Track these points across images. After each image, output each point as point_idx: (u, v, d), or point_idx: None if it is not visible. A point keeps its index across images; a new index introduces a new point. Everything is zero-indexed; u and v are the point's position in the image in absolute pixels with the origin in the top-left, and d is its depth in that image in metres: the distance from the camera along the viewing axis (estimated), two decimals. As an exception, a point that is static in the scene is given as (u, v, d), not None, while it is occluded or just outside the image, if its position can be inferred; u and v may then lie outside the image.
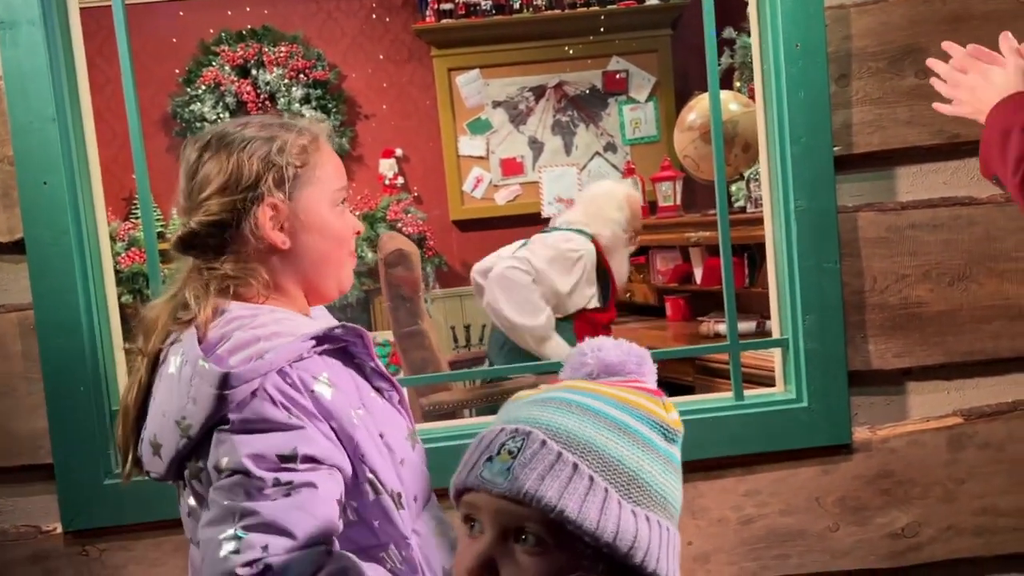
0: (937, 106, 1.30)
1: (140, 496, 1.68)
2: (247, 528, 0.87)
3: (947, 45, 1.25)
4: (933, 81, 1.28)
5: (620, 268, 2.93)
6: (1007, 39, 1.20)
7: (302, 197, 1.05)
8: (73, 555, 1.79)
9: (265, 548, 0.86)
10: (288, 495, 0.89)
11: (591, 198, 2.98)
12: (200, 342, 0.96)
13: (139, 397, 1.01)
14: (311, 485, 0.90)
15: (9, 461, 1.75)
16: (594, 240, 2.84)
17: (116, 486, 1.72)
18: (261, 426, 0.91)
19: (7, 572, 1.79)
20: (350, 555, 0.93)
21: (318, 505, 0.90)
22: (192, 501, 0.98)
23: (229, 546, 0.86)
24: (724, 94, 2.75)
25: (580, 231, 2.86)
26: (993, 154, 1.12)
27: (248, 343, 0.95)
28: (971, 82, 1.20)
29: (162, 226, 3.64)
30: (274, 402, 0.92)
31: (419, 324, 2.76)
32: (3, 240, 1.73)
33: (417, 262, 2.83)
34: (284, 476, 0.89)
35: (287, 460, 0.90)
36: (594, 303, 2.82)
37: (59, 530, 1.77)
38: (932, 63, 1.28)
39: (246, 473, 0.89)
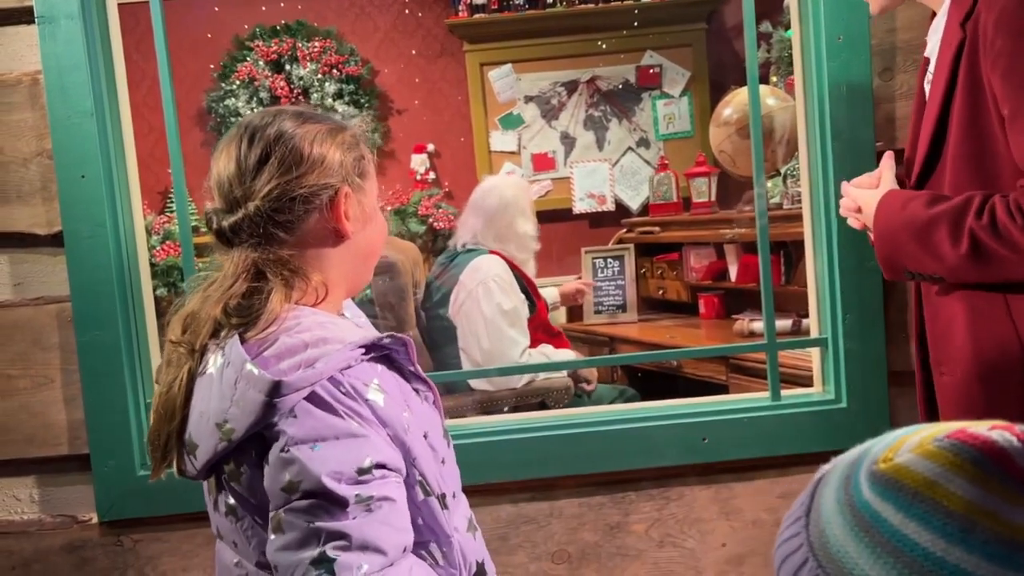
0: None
1: (174, 488, 1.68)
2: (339, 549, 0.86)
3: (843, 186, 1.41)
4: (840, 213, 1.45)
5: (531, 265, 2.78)
6: (887, 157, 1.37)
7: (365, 187, 1.05)
8: (108, 545, 1.81)
9: (361, 568, 0.86)
10: (370, 510, 0.88)
11: (490, 215, 2.71)
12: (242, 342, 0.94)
13: (185, 394, 0.97)
14: (389, 499, 0.89)
15: (47, 451, 1.78)
16: (495, 252, 2.68)
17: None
18: (327, 435, 0.89)
19: (43, 561, 1.81)
20: (421, 561, 0.94)
21: (397, 517, 0.90)
22: (232, 500, 0.96)
23: (317, 571, 0.85)
24: (761, 88, 2.70)
25: (474, 251, 2.68)
26: (908, 249, 1.23)
27: (296, 349, 0.92)
28: (861, 204, 1.36)
29: (197, 220, 3.68)
30: (336, 412, 0.89)
31: (405, 332, 2.66)
32: (42, 233, 1.75)
33: (404, 270, 2.72)
34: (364, 491, 0.88)
35: (364, 472, 0.88)
36: (527, 313, 2.67)
37: (95, 520, 1.79)
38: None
39: (327, 493, 0.87)
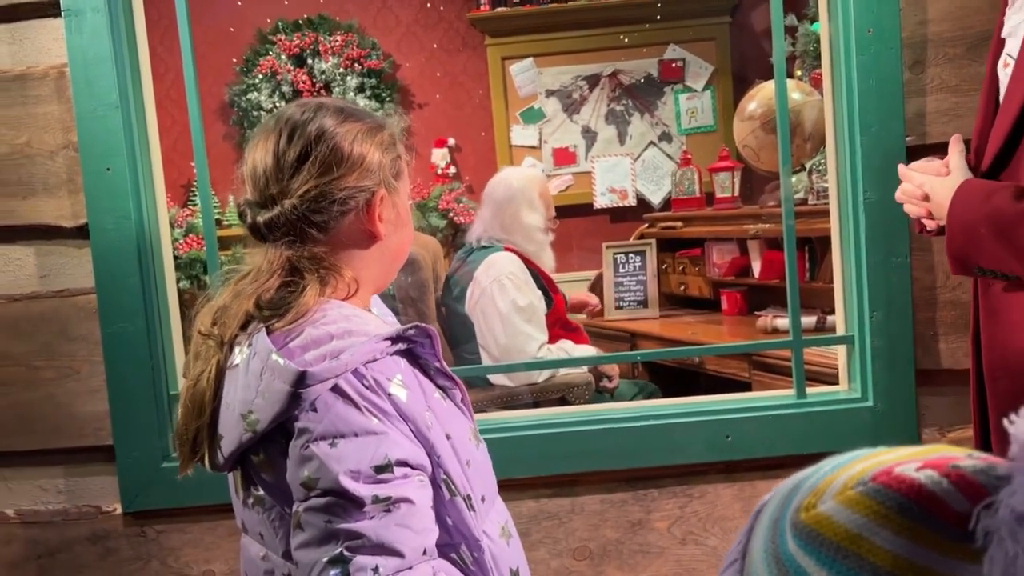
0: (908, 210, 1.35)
1: (197, 479, 1.68)
2: (353, 550, 0.86)
3: (901, 170, 1.33)
4: (898, 198, 1.35)
5: (546, 260, 2.76)
6: (956, 142, 1.27)
7: (399, 188, 1.05)
8: (132, 535, 1.82)
9: (376, 570, 0.85)
10: (388, 511, 0.87)
11: (497, 205, 2.72)
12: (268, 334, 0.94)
13: (214, 388, 0.97)
14: (408, 501, 0.88)
15: (72, 442, 1.79)
16: (509, 248, 2.67)
17: (174, 469, 1.75)
18: (345, 432, 0.88)
19: (68, 550, 1.83)
20: (447, 563, 0.93)
21: (417, 519, 0.89)
22: (260, 491, 0.96)
23: (334, 570, 0.86)
24: (786, 83, 2.67)
25: (489, 247, 2.67)
26: (987, 244, 1.13)
27: (322, 341, 0.92)
28: (929, 191, 1.26)
29: (220, 213, 3.69)
30: (357, 406, 0.89)
31: (426, 325, 2.64)
32: (68, 225, 1.76)
33: (425, 264, 2.72)
34: (382, 491, 0.87)
35: (383, 470, 0.88)
36: (543, 308, 2.65)
37: (119, 511, 1.80)
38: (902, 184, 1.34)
39: (343, 492, 0.86)
